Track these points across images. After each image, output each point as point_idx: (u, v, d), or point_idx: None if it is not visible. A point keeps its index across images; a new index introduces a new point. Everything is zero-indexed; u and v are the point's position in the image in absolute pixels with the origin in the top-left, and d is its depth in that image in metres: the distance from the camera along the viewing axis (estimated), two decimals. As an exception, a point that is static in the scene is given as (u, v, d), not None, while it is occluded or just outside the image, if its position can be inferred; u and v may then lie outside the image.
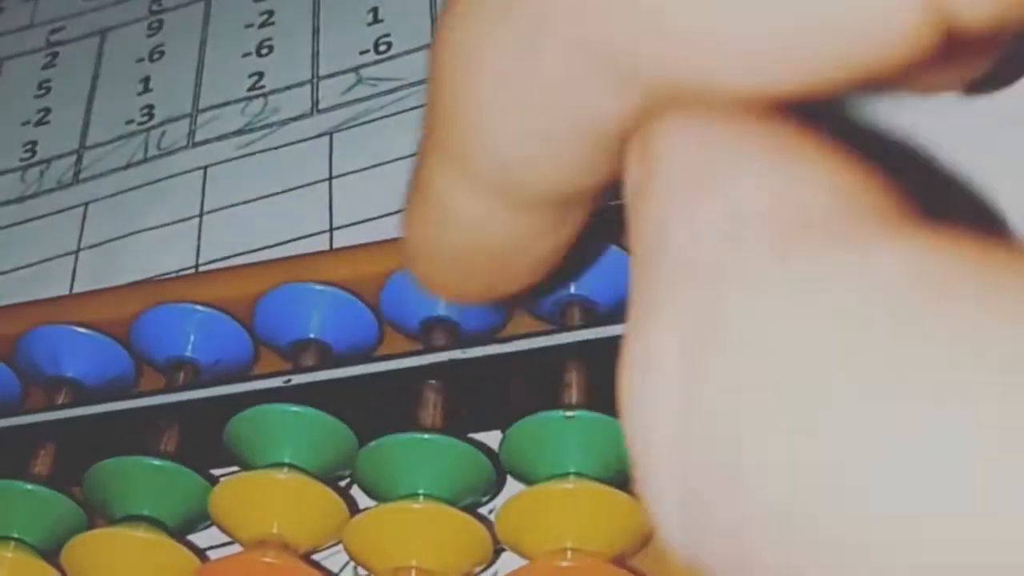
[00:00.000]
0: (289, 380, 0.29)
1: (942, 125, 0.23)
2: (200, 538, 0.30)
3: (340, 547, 0.29)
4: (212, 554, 0.30)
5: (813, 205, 0.11)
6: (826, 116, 0.13)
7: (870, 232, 0.11)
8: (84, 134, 0.43)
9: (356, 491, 0.30)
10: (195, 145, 0.41)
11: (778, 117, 0.13)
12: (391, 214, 0.36)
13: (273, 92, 0.42)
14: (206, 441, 0.29)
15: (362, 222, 0.37)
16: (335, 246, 0.36)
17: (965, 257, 0.10)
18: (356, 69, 0.41)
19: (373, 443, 0.27)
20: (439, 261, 0.20)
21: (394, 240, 0.31)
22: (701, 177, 0.13)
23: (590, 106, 0.15)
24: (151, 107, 0.43)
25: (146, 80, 0.45)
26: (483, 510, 0.29)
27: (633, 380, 0.12)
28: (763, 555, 0.11)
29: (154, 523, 0.28)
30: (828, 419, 0.10)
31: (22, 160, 0.43)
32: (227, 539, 0.30)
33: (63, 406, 0.31)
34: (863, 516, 0.10)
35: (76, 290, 0.38)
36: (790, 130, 0.13)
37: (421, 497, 0.27)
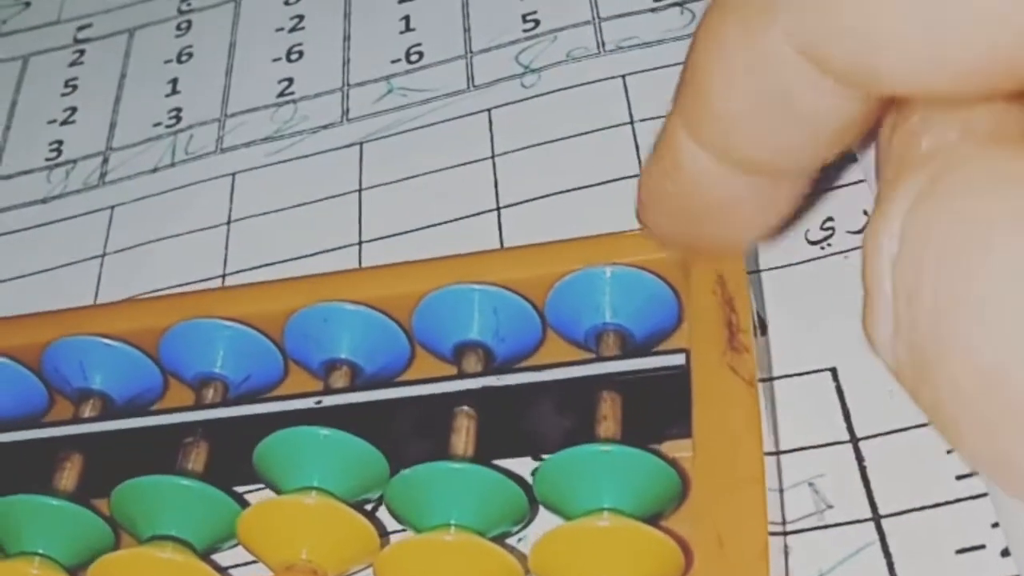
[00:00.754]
0: (320, 402, 0.29)
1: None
2: (224, 557, 0.30)
3: (367, 572, 0.28)
4: (236, 573, 0.30)
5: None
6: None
7: None
8: (111, 135, 0.43)
9: (383, 512, 0.29)
10: (223, 151, 0.41)
11: None
12: (421, 228, 0.36)
13: (303, 99, 0.42)
14: (234, 459, 0.29)
15: (391, 236, 0.36)
16: (363, 260, 0.36)
17: None
18: (387, 78, 0.41)
19: (406, 471, 0.27)
20: (666, 208, 0.24)
21: (428, 261, 0.31)
22: (944, 110, 0.17)
23: (798, 94, 0.18)
24: (179, 109, 0.43)
25: (174, 81, 0.44)
26: (513, 540, 0.29)
27: (867, 252, 0.16)
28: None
29: (181, 543, 0.28)
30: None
31: (48, 160, 0.43)
32: (252, 558, 0.29)
33: (90, 419, 0.31)
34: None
35: (101, 296, 0.38)
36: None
37: (453, 527, 0.26)
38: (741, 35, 0.19)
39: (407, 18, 0.43)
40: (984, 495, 0.26)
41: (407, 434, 0.29)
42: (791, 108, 0.19)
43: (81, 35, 0.48)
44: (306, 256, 0.37)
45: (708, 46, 0.20)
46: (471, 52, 0.41)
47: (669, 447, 0.28)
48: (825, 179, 0.33)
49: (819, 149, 0.20)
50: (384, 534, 0.29)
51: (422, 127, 0.39)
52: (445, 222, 0.36)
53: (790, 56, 0.18)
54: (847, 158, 0.33)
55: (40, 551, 0.29)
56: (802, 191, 0.24)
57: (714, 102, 0.20)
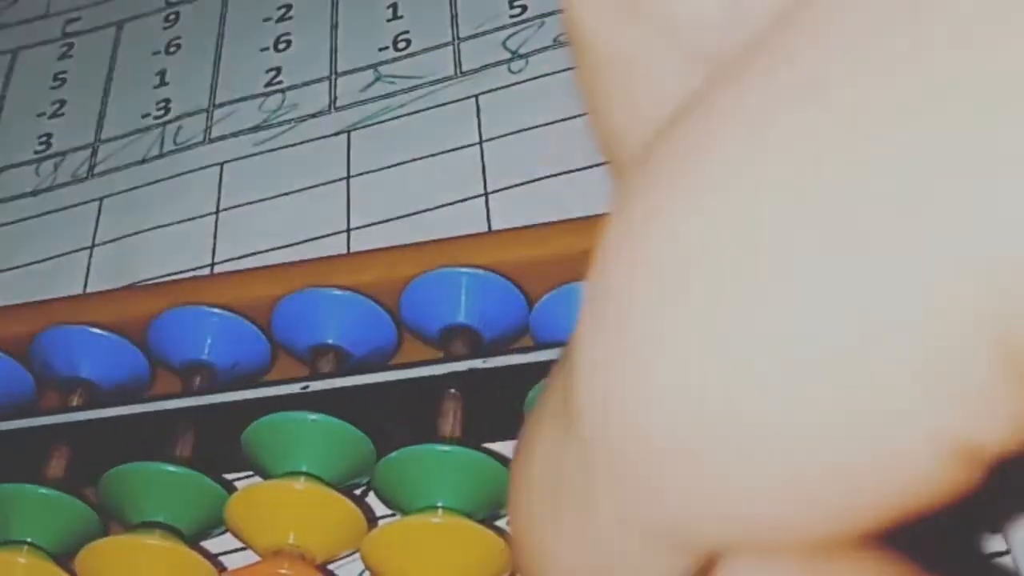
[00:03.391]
0: (307, 387, 0.29)
1: None
2: (214, 544, 0.30)
3: (355, 556, 0.28)
4: (225, 559, 0.30)
5: None
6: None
7: None
8: (99, 127, 0.43)
9: (372, 498, 0.29)
10: (211, 141, 0.41)
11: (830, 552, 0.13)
12: (409, 215, 0.36)
13: (291, 88, 0.42)
14: (222, 446, 0.29)
15: (380, 223, 0.36)
16: (352, 247, 0.36)
17: None
18: (375, 66, 0.41)
19: (392, 454, 0.27)
20: None
21: (415, 245, 0.31)
22: None
23: (652, 567, 0.15)
24: (167, 101, 0.43)
25: (162, 73, 0.44)
26: (501, 522, 0.29)
27: None
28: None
29: (170, 530, 0.28)
30: None
31: (37, 152, 0.43)
32: (240, 544, 0.29)
33: (78, 408, 0.31)
34: None
35: (91, 287, 0.38)
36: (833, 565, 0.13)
37: (440, 510, 0.26)
38: (571, 528, 0.15)
39: (394, 6, 0.43)
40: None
41: (394, 418, 0.29)
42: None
43: (70, 28, 0.48)
44: (295, 244, 0.37)
45: (535, 535, 0.16)
46: (458, 39, 0.41)
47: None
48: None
49: None
50: (373, 519, 0.29)
51: (410, 114, 0.39)
52: (433, 208, 0.36)
53: (634, 542, 0.14)
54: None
55: (29, 539, 0.29)
56: None
57: None
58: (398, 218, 0.36)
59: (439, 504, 0.27)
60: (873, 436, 0.11)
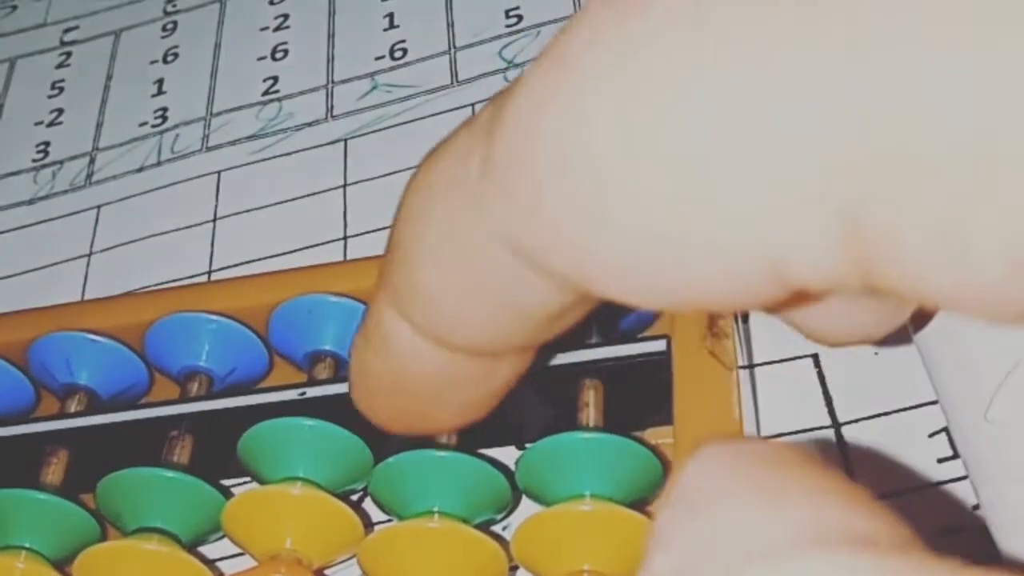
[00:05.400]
0: (304, 393, 0.29)
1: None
2: (211, 549, 0.30)
3: (352, 561, 0.29)
4: (223, 565, 0.30)
5: (778, 532, 0.12)
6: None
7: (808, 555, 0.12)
8: (97, 135, 0.43)
9: (369, 504, 0.30)
10: (209, 149, 0.41)
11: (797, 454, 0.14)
12: (406, 223, 0.36)
13: (288, 97, 0.42)
14: (219, 452, 0.29)
15: (377, 231, 0.37)
16: (349, 254, 0.36)
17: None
18: (371, 75, 0.41)
19: (389, 460, 0.27)
20: (378, 386, 0.22)
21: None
22: (691, 502, 0.13)
23: (509, 287, 0.17)
24: (165, 109, 0.43)
25: (160, 82, 0.44)
26: (497, 527, 0.29)
27: None
28: None
29: (167, 535, 0.28)
30: None
31: (34, 161, 0.43)
32: (237, 550, 0.30)
33: (76, 414, 0.31)
34: None
35: (88, 294, 0.38)
36: (793, 464, 0.13)
37: (436, 515, 0.27)
38: (449, 225, 0.17)
39: (391, 15, 0.43)
40: (964, 478, 0.26)
41: (391, 424, 0.29)
42: (505, 299, 0.18)
43: (68, 37, 0.48)
44: (292, 251, 0.37)
45: (414, 224, 0.18)
46: (455, 48, 0.41)
47: (651, 434, 0.28)
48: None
49: (539, 334, 0.19)
50: (369, 524, 0.29)
51: (406, 123, 0.39)
52: (429, 216, 0.36)
53: (501, 255, 0.17)
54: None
55: (27, 545, 0.29)
56: (524, 367, 0.22)
57: (423, 285, 0.19)
58: (394, 226, 0.36)
59: (435, 509, 0.27)
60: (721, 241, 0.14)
